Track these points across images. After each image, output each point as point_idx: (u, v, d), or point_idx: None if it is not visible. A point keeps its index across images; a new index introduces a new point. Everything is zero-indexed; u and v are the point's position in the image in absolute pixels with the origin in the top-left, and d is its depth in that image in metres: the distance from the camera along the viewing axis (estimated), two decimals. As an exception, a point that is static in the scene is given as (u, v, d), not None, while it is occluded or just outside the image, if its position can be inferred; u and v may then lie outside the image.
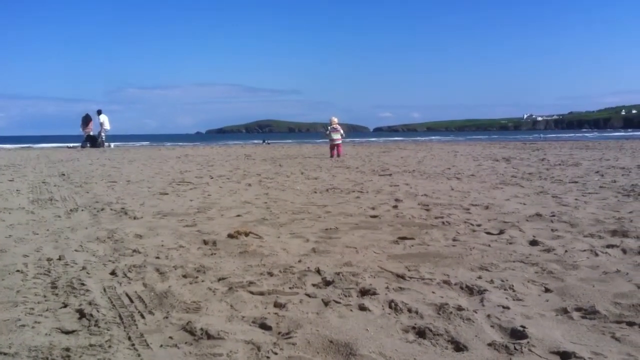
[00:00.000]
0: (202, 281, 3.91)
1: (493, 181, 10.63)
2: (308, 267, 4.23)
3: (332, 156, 19.64)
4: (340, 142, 20.05)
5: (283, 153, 24.55)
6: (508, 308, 3.26)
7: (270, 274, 4.06)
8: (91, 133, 32.36)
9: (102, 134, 31.89)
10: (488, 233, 5.50)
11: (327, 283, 3.81)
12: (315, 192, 9.18)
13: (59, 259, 4.57)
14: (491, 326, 2.98)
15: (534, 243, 4.99)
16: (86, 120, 32.35)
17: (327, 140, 20.38)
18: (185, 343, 2.81)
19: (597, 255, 4.50)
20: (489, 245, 4.94)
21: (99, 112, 32.02)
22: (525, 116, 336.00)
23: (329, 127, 19.99)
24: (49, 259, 4.57)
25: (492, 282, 3.80)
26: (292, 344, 2.77)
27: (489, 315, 3.13)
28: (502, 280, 3.81)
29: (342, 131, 20.06)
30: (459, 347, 2.73)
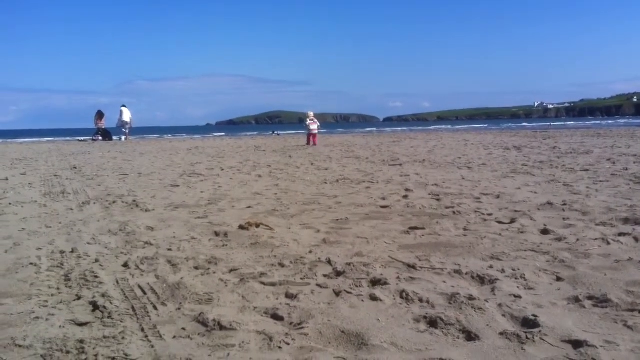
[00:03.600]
0: (214, 272, 3.93)
1: (504, 170, 10.59)
2: (319, 258, 4.24)
3: (308, 144, 22.87)
4: (316, 132, 23.29)
5: (293, 144, 24.54)
6: (519, 297, 3.26)
7: (282, 265, 4.08)
8: (103, 127, 32.56)
9: (123, 128, 32.03)
10: (499, 222, 5.48)
11: (338, 273, 3.82)
12: (326, 183, 9.19)
13: (72, 251, 4.60)
14: (503, 315, 2.99)
15: (545, 232, 4.97)
16: (99, 115, 32.58)
17: (310, 130, 23.32)
18: (198, 334, 2.83)
19: (609, 243, 4.48)
20: (500, 235, 4.93)
21: (123, 106, 32.18)
22: (536, 104, 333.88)
23: (308, 120, 23.34)
24: (62, 252, 4.61)
25: (503, 271, 3.80)
26: (303, 334, 2.79)
27: (500, 305, 3.13)
28: (514, 270, 3.81)
29: (318, 123, 23.50)
30: (470, 336, 2.73)
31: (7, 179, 10.80)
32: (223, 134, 49.93)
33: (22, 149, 24.45)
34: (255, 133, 49.32)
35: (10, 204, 7.44)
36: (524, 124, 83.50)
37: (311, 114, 23.67)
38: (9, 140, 41.31)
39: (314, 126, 23.22)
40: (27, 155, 19.40)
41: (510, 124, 79.31)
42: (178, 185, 9.23)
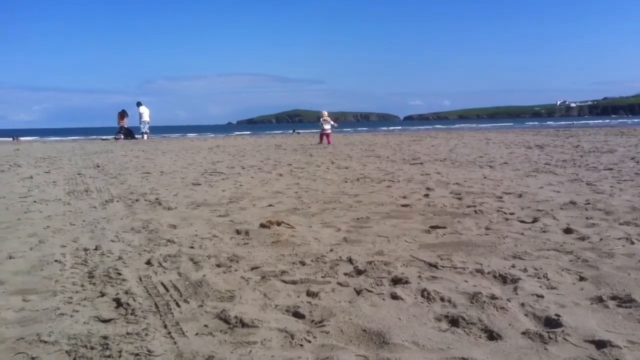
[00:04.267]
0: (236, 270, 3.96)
1: (526, 169, 10.50)
2: (340, 256, 4.25)
3: (321, 142, 23.29)
4: (329, 131, 23.63)
5: (313, 143, 24.55)
6: (542, 297, 3.24)
7: (303, 263, 4.10)
8: (126, 126, 32.91)
9: (142, 126, 32.34)
10: (521, 221, 5.45)
11: (359, 272, 3.82)
12: (346, 182, 9.19)
13: (96, 249, 4.66)
14: (525, 315, 2.97)
15: (568, 231, 4.93)
16: (122, 114, 32.97)
17: (324, 130, 23.67)
18: (220, 331, 2.85)
19: (632, 243, 4.43)
20: (523, 234, 4.90)
21: (139, 104, 32.51)
22: (558, 102, 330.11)
23: (321, 120, 23.63)
24: (85, 249, 4.67)
25: (525, 270, 3.78)
26: (325, 332, 2.80)
27: (522, 304, 3.11)
28: (536, 269, 3.79)
29: (332, 122, 23.77)
30: (492, 335, 2.73)
31: (31, 177, 10.95)
32: (249, 132, 50.14)
33: (46, 148, 24.75)
34: (279, 132, 49.43)
35: (35, 201, 7.55)
36: (550, 122, 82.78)
37: (325, 113, 24.04)
38: (33, 139, 41.87)
39: (327, 125, 23.65)
40: (50, 153, 19.64)
41: (533, 122, 78.63)
42: (200, 184, 9.29)
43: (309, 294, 3.41)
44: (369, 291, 3.42)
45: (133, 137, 32.11)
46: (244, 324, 2.91)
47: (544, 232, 4.97)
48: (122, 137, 32.04)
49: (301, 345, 2.67)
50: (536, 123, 73.17)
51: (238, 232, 5.25)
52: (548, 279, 3.58)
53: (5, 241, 5.05)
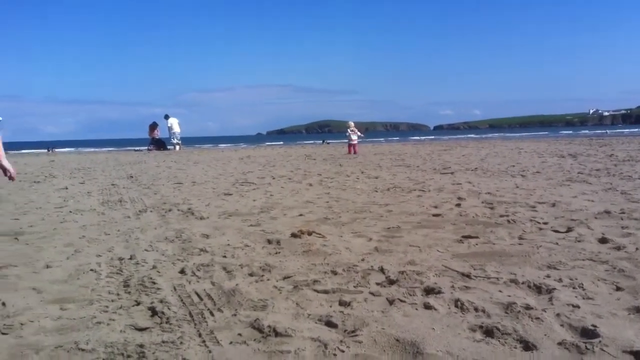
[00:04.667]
0: (268, 279, 3.98)
1: (559, 178, 10.36)
2: (371, 266, 4.24)
3: (349, 152, 23.82)
4: (356, 142, 24.38)
5: (343, 153, 24.58)
6: (578, 307, 3.19)
7: (334, 273, 4.10)
8: (157, 137, 33.40)
9: (173, 137, 32.73)
10: (555, 231, 5.38)
11: (391, 282, 3.81)
12: (376, 191, 9.17)
13: (130, 258, 4.73)
14: (561, 325, 2.93)
15: (603, 241, 4.85)
16: (152, 126, 33.51)
17: (351, 140, 24.29)
18: (254, 340, 2.87)
19: (671, 253, 4.34)
20: (557, 244, 4.83)
21: (166, 117, 32.97)
22: (591, 111, 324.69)
23: (348, 130, 24.49)
24: (120, 259, 4.74)
25: (560, 280, 3.73)
26: (358, 342, 2.80)
27: (558, 314, 3.07)
28: (571, 279, 3.73)
29: (359, 133, 24.69)
30: (528, 346, 2.69)
31: (66, 188, 11.16)
32: (281, 143, 50.38)
33: (80, 159, 25.20)
34: (309, 142, 49.61)
35: (70, 212, 7.69)
36: (585, 130, 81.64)
37: (352, 124, 24.75)
38: (67, 150, 42.64)
39: (354, 136, 24.31)
40: (85, 164, 19.99)
41: (567, 131, 77.56)
42: (231, 194, 9.36)
43: (341, 303, 3.41)
44: (401, 301, 3.41)
45: (165, 148, 32.55)
46: (277, 333, 2.92)
47: (579, 241, 4.90)
48: (155, 148, 32.50)
49: (334, 354, 2.67)
50: (570, 132, 72.22)
51: (269, 241, 5.28)
52: (584, 289, 3.53)
53: (42, 251, 5.16)
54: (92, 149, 41.91)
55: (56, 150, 41.72)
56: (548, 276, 3.84)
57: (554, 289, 3.53)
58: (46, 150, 41.05)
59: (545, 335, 2.80)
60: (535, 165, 13.90)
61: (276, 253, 4.83)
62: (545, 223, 5.78)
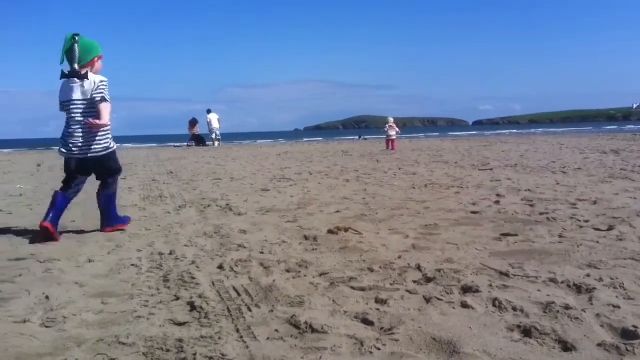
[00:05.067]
0: (305, 276, 4.00)
1: (601, 174, 10.16)
2: (408, 263, 4.23)
3: (387, 148, 24.08)
4: (394, 137, 24.49)
5: (380, 148, 24.51)
6: (618, 307, 3.13)
7: (371, 270, 4.10)
8: (197, 133, 33.86)
9: (212, 133, 33.15)
10: (596, 229, 5.28)
11: (428, 279, 3.80)
12: (414, 188, 9.13)
13: (170, 253, 4.81)
14: (600, 325, 2.88)
15: (646, 240, 4.75)
16: (193, 122, 33.99)
17: (389, 136, 24.54)
18: (291, 336, 2.89)
19: None
20: (597, 242, 4.75)
21: (208, 111, 33.38)
22: (634, 105, 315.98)
23: (386, 126, 24.67)
24: (160, 253, 4.82)
25: (601, 280, 3.66)
26: (394, 339, 2.80)
27: (598, 314, 3.02)
28: (612, 278, 3.66)
29: (396, 129, 24.66)
30: (566, 346, 2.65)
31: (108, 183, 11.37)
32: (320, 138, 50.42)
33: (121, 155, 25.64)
34: (352, 137, 49.59)
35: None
36: (630, 125, 79.76)
37: (390, 119, 24.84)
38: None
39: (392, 132, 24.43)
40: (126, 160, 20.33)
41: (611, 126, 75.84)
42: (268, 190, 9.43)
43: (378, 300, 3.41)
44: (438, 299, 3.39)
45: (204, 144, 32.94)
46: (313, 330, 2.94)
47: (620, 240, 4.80)
48: (194, 144, 32.94)
49: (370, 352, 2.67)
50: (614, 127, 70.61)
51: (306, 237, 5.31)
52: (625, 289, 3.46)
53: (84, 245, 5.28)
54: (133, 145, 42.60)
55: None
56: (588, 275, 3.78)
57: (594, 288, 3.47)
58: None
59: (584, 335, 2.76)
60: (576, 161, 13.64)
61: (313, 249, 4.86)
62: (585, 221, 5.68)
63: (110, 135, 5.76)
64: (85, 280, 4.04)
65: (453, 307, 3.26)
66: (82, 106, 5.51)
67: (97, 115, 5.51)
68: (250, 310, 3.30)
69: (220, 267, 4.27)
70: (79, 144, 5.56)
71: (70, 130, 5.56)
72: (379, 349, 2.70)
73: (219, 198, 8.46)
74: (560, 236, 5.04)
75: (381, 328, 2.97)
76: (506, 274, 3.87)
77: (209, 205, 7.65)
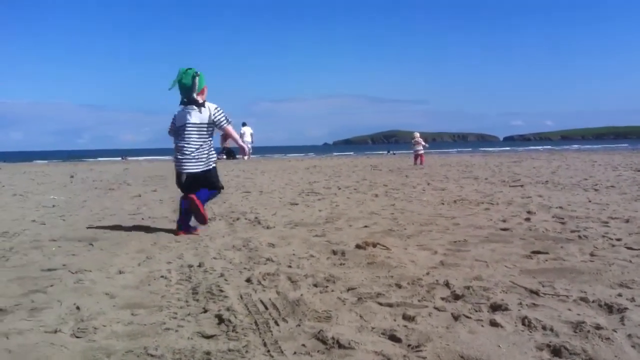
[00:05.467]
0: (332, 291, 4.00)
1: (634, 192, 9.97)
2: (436, 280, 4.20)
3: (415, 163, 24.22)
4: (422, 152, 24.76)
5: (409, 163, 24.43)
6: (651, 329, 3.07)
7: (399, 286, 4.08)
8: (228, 146, 34.14)
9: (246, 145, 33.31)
10: (629, 248, 5.18)
11: (457, 297, 3.77)
12: (443, 204, 9.07)
13: (199, 265, 4.85)
14: (632, 346, 2.83)
15: (681, 260, 4.64)
16: (224, 137, 34.19)
17: (416, 151, 24.89)
18: (317, 351, 2.89)
19: None
20: (630, 261, 4.66)
21: (244, 124, 33.66)
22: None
23: (413, 141, 25.05)
24: (189, 266, 4.87)
25: (633, 300, 3.59)
26: (422, 357, 2.78)
27: (629, 335, 2.96)
28: (645, 299, 3.60)
29: (423, 143, 24.92)
30: (597, 368, 2.61)
31: (140, 196, 11.55)
32: (352, 153, 50.41)
33: (153, 167, 25.99)
34: (381, 152, 49.53)
35: (142, 219, 7.95)
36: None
37: (416, 134, 25.28)
38: (142, 158, 44.04)
39: (419, 147, 24.70)
40: (157, 173, 20.59)
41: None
42: (297, 204, 9.46)
43: (405, 317, 3.39)
44: (467, 317, 3.36)
45: (235, 157, 33.21)
46: (340, 345, 2.94)
47: (655, 260, 4.71)
48: (225, 157, 33.24)
49: (397, 369, 2.66)
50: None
51: (334, 252, 5.31)
52: (659, 311, 3.39)
53: (115, 257, 5.35)
54: (164, 157, 43.15)
55: (129, 158, 43.19)
56: (620, 295, 3.71)
57: (626, 308, 3.40)
58: (120, 159, 42.57)
59: (615, 356, 2.71)
60: (609, 178, 13.43)
61: (341, 264, 4.85)
62: (618, 239, 5.59)
63: (215, 156, 6.75)
64: (115, 292, 4.09)
65: (482, 325, 3.22)
66: (196, 129, 6.48)
67: (228, 136, 6.85)
68: (277, 324, 3.31)
69: (249, 280, 4.30)
70: (191, 162, 6.54)
71: (183, 149, 6.51)
72: (406, 366, 2.68)
73: (248, 211, 8.52)
74: (591, 255, 4.96)
75: (409, 345, 2.95)
76: (536, 293, 3.82)
77: (238, 219, 7.70)
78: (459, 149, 62.13)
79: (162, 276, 4.53)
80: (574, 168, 18.19)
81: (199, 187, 6.67)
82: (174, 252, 5.49)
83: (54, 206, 9.74)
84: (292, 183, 14.22)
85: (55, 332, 3.24)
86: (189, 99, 6.47)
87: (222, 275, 4.50)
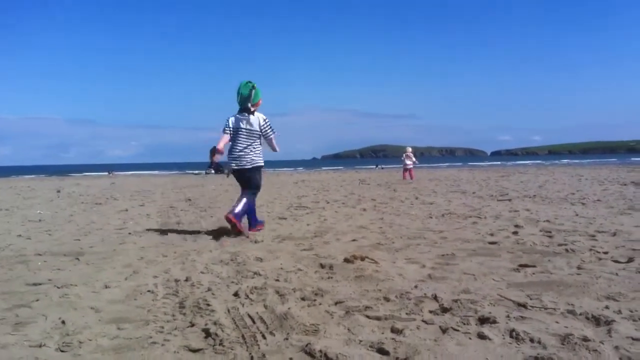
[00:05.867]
0: (320, 304, 3.98)
1: (620, 206, 10.04)
2: (425, 293, 4.19)
3: (404, 178, 24.32)
4: (411, 167, 24.80)
5: (397, 178, 24.49)
6: (638, 340, 3.06)
7: (387, 299, 4.07)
8: (217, 161, 34.24)
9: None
10: (615, 261, 5.21)
11: (445, 310, 3.76)
12: (431, 217, 9.09)
13: (186, 280, 4.82)
14: (619, 358, 2.83)
15: (667, 273, 4.67)
16: (213, 151, 34.36)
17: (406, 165, 24.96)
18: (305, 365, 2.87)
19: None
20: (617, 274, 4.68)
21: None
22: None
23: (404, 155, 25.03)
24: (176, 280, 4.83)
25: (620, 312, 3.60)
26: (410, 369, 2.77)
27: (616, 347, 2.96)
28: (631, 311, 3.60)
29: (413, 158, 24.91)
30: (585, 380, 2.61)
31: (127, 210, 11.48)
32: (340, 167, 50.42)
33: (140, 182, 25.88)
34: (370, 167, 49.61)
35: (129, 233, 7.90)
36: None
37: (408, 149, 25.47)
38: (129, 173, 43.86)
39: (409, 161, 24.83)
40: (144, 187, 20.52)
41: (636, 158, 75.12)
42: (285, 218, 9.44)
43: (394, 330, 3.38)
44: (455, 330, 3.36)
45: (223, 172, 33.26)
46: (328, 358, 2.92)
47: (641, 272, 4.73)
48: (213, 171, 33.31)
49: (385, 382, 2.65)
50: (626, 159, 69.99)
51: (322, 266, 5.29)
52: (646, 323, 3.40)
53: (102, 271, 5.31)
54: (152, 172, 43.04)
55: (116, 173, 43.05)
56: (607, 307, 3.72)
57: (613, 320, 3.41)
58: (107, 173, 42.40)
59: (604, 369, 2.71)
60: (595, 192, 13.52)
61: (329, 278, 4.84)
62: (605, 253, 5.61)
63: (262, 158, 7.90)
64: (101, 306, 4.05)
65: (470, 338, 3.22)
66: (246, 133, 7.70)
67: (272, 145, 7.92)
68: (265, 338, 3.29)
69: (236, 294, 4.27)
70: (240, 160, 7.82)
71: (233, 150, 7.83)
72: (394, 379, 2.67)
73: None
74: (579, 268, 4.98)
75: (397, 358, 2.94)
76: (524, 306, 3.82)
77: (226, 233, 7.67)
78: (449, 164, 62.42)
79: (148, 290, 4.50)
80: (562, 182, 18.32)
81: (244, 182, 7.92)
82: (161, 267, 5.46)
83: (40, 221, 9.68)
84: (281, 197, 14.21)
85: (40, 346, 3.20)
86: (244, 108, 7.64)
87: (209, 289, 4.47)
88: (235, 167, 7.89)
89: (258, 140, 7.77)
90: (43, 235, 7.89)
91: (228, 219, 7.45)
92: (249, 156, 7.76)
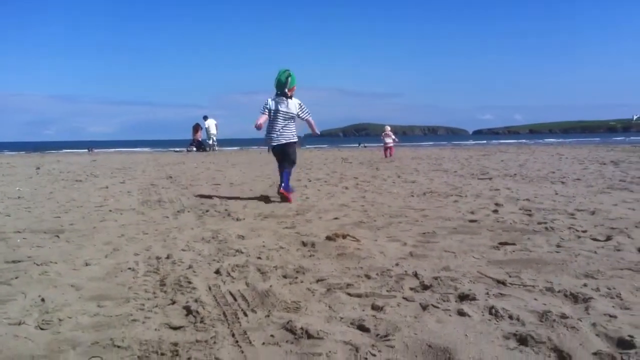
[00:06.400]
0: (302, 282, 4.00)
1: (600, 185, 10.16)
2: (405, 271, 4.22)
3: (385, 156, 24.47)
4: (391, 144, 25.03)
5: (380, 156, 24.54)
6: (615, 317, 3.12)
7: (368, 277, 4.10)
8: (199, 139, 34.20)
9: (209, 139, 33.54)
10: (594, 239, 5.28)
11: (425, 287, 3.79)
12: (413, 196, 9.13)
13: (167, 257, 4.81)
14: (597, 335, 2.88)
15: (644, 251, 4.74)
16: (196, 127, 34.38)
17: (386, 143, 25.01)
18: (286, 341, 2.88)
19: None
20: (595, 252, 4.74)
21: (205, 118, 33.66)
22: (635, 117, 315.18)
23: (383, 134, 25.22)
24: (157, 258, 4.81)
25: (598, 289, 3.66)
26: (390, 346, 2.79)
27: (594, 324, 3.01)
28: (609, 288, 3.66)
29: (393, 136, 25.14)
30: (562, 355, 2.65)
31: (107, 187, 11.39)
32: (322, 146, 50.25)
33: (122, 159, 25.66)
34: (353, 145, 49.58)
35: (110, 211, 7.84)
36: (633, 137, 79.88)
37: (387, 127, 25.67)
38: (110, 150, 43.49)
39: (389, 139, 24.97)
40: (126, 164, 20.35)
41: (618, 137, 75.94)
42: (267, 196, 9.42)
43: (374, 307, 3.40)
44: (435, 307, 3.39)
45: (205, 150, 33.16)
46: (309, 336, 2.93)
47: (618, 250, 4.79)
48: (195, 149, 33.18)
49: (366, 358, 2.66)
50: (623, 137, 70.75)
51: (304, 244, 5.30)
52: (622, 299, 3.45)
53: (82, 249, 5.28)
54: (134, 149, 42.70)
55: (96, 150, 42.67)
56: (585, 285, 3.78)
57: (591, 298, 3.46)
58: (86, 150, 42.03)
59: (580, 344, 2.75)
60: (575, 171, 13.66)
61: (310, 256, 4.85)
62: (584, 231, 5.68)
63: (295, 135, 9.06)
64: (81, 284, 4.03)
65: (449, 315, 3.25)
66: (283, 115, 8.83)
67: (312, 127, 9.26)
68: (246, 315, 3.29)
69: (218, 272, 4.27)
70: (277, 137, 8.88)
71: (274, 129, 8.85)
72: (374, 355, 2.69)
73: (218, 204, 8.47)
74: (558, 246, 5.04)
75: (377, 335, 2.96)
76: (503, 283, 3.86)
77: (207, 211, 7.65)
78: (433, 142, 62.60)
79: (129, 268, 4.48)
80: (542, 161, 18.46)
81: (283, 157, 8.98)
82: (142, 244, 5.43)
83: (19, 198, 9.57)
84: (263, 175, 14.17)
85: (20, 324, 3.18)
86: (282, 92, 8.79)
87: (190, 267, 4.47)
88: (275, 144, 8.90)
89: (293, 121, 8.94)
90: (22, 212, 7.81)
91: (283, 195, 8.63)
92: (286, 134, 8.89)
